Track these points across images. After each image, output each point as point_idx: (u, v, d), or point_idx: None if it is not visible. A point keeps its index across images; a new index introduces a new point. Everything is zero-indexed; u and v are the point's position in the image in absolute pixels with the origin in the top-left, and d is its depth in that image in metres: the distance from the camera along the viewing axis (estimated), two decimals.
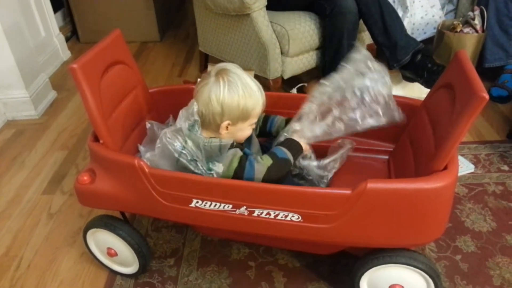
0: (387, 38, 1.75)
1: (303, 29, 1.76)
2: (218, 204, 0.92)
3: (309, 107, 1.04)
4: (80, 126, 1.93)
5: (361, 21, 1.79)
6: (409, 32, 1.99)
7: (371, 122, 1.01)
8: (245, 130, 1.02)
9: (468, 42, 1.94)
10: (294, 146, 1.01)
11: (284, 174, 0.97)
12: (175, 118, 1.02)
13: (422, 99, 1.09)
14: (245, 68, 1.27)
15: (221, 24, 1.94)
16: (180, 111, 0.99)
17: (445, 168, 0.86)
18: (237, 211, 0.91)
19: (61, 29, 2.68)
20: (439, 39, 2.04)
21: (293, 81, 1.97)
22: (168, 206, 0.96)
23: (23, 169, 1.67)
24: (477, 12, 1.96)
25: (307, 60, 1.86)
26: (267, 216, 0.90)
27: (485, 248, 1.21)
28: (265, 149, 1.12)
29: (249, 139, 1.07)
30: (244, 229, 0.97)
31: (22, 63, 1.94)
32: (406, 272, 0.95)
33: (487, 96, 0.77)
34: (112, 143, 1.02)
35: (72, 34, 2.91)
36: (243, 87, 0.95)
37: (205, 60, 2.28)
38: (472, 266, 1.16)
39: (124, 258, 1.14)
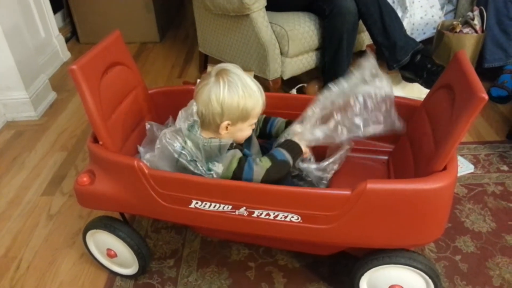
0: (387, 38, 1.75)
1: (302, 30, 1.75)
2: (217, 205, 0.92)
3: (313, 110, 1.04)
4: (80, 127, 1.93)
5: (360, 22, 1.79)
6: (408, 32, 1.99)
7: (372, 129, 1.02)
8: (245, 130, 1.02)
9: (467, 42, 1.94)
10: (293, 148, 1.01)
11: (283, 176, 0.97)
12: (174, 118, 1.02)
13: (422, 99, 1.10)
14: (245, 69, 1.27)
15: (221, 25, 1.94)
16: (180, 112, 0.99)
17: (445, 168, 0.86)
18: (237, 212, 0.91)
19: (61, 30, 2.68)
20: (439, 39, 2.04)
21: (293, 81, 1.97)
22: (168, 207, 0.96)
23: (22, 170, 1.67)
24: (476, 13, 1.96)
25: (306, 61, 1.86)
26: (267, 217, 0.90)
27: (484, 248, 1.21)
28: (264, 150, 1.12)
29: (249, 140, 1.07)
30: (244, 230, 0.97)
31: (22, 64, 1.94)
32: (406, 273, 0.95)
33: (486, 97, 0.77)
34: (112, 144, 1.02)
35: (72, 35, 2.91)
36: (243, 88, 0.95)
37: (205, 61, 2.28)
38: (472, 266, 1.16)
39: (123, 259, 1.14)
